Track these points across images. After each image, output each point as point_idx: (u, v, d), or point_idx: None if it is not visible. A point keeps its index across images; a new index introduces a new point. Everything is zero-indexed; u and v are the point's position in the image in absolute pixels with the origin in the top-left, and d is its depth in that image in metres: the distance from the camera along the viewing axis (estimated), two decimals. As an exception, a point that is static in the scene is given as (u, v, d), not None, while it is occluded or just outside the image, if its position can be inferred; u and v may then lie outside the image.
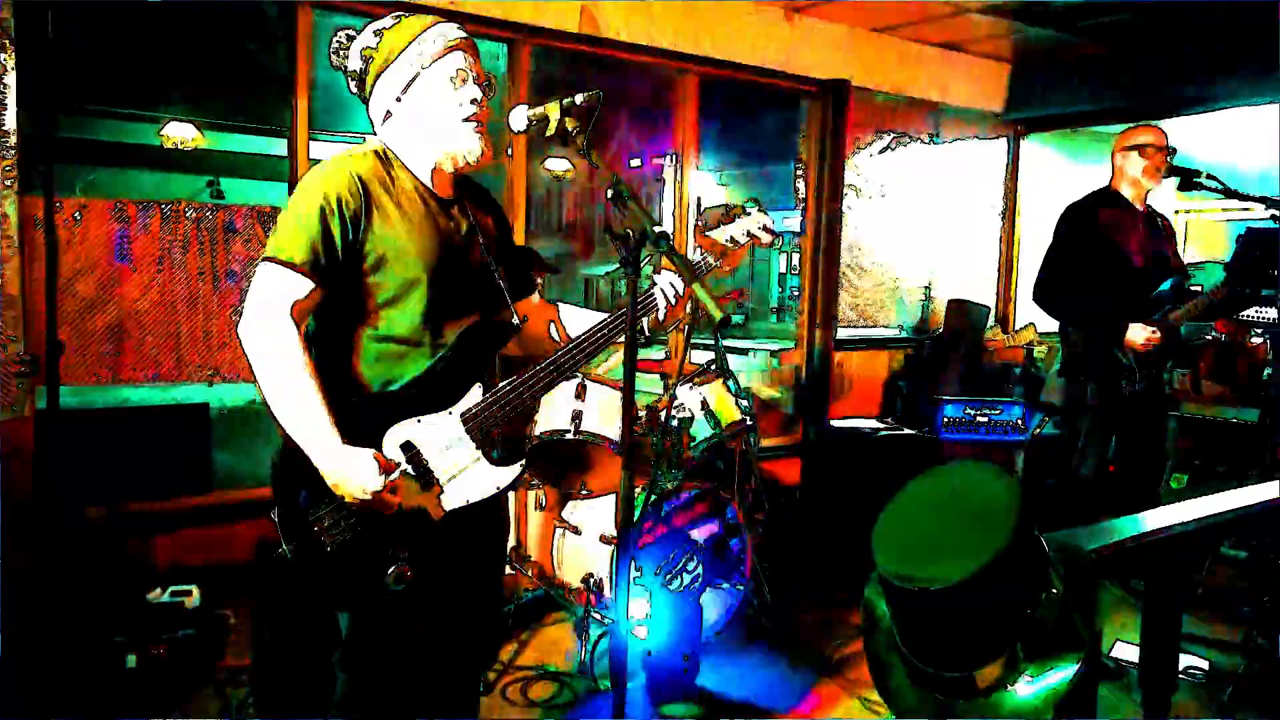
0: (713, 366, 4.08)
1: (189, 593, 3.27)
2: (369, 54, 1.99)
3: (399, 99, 1.98)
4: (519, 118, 1.93)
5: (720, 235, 2.20)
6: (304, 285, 1.86)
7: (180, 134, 7.46)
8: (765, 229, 2.21)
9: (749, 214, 2.22)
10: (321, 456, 1.82)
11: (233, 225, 4.02)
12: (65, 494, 3.26)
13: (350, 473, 1.81)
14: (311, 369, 1.84)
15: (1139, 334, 3.82)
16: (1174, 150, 3.89)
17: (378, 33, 1.99)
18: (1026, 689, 1.11)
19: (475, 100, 1.98)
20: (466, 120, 1.98)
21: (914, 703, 1.16)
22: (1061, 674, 1.10)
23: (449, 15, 2.12)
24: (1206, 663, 3.59)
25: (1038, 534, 1.14)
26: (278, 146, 6.02)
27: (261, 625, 3.01)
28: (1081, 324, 4.02)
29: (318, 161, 2.05)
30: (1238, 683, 3.41)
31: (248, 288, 1.91)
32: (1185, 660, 3.61)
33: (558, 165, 8.86)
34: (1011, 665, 1.11)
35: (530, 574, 3.90)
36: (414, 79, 1.97)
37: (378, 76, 1.99)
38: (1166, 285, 3.90)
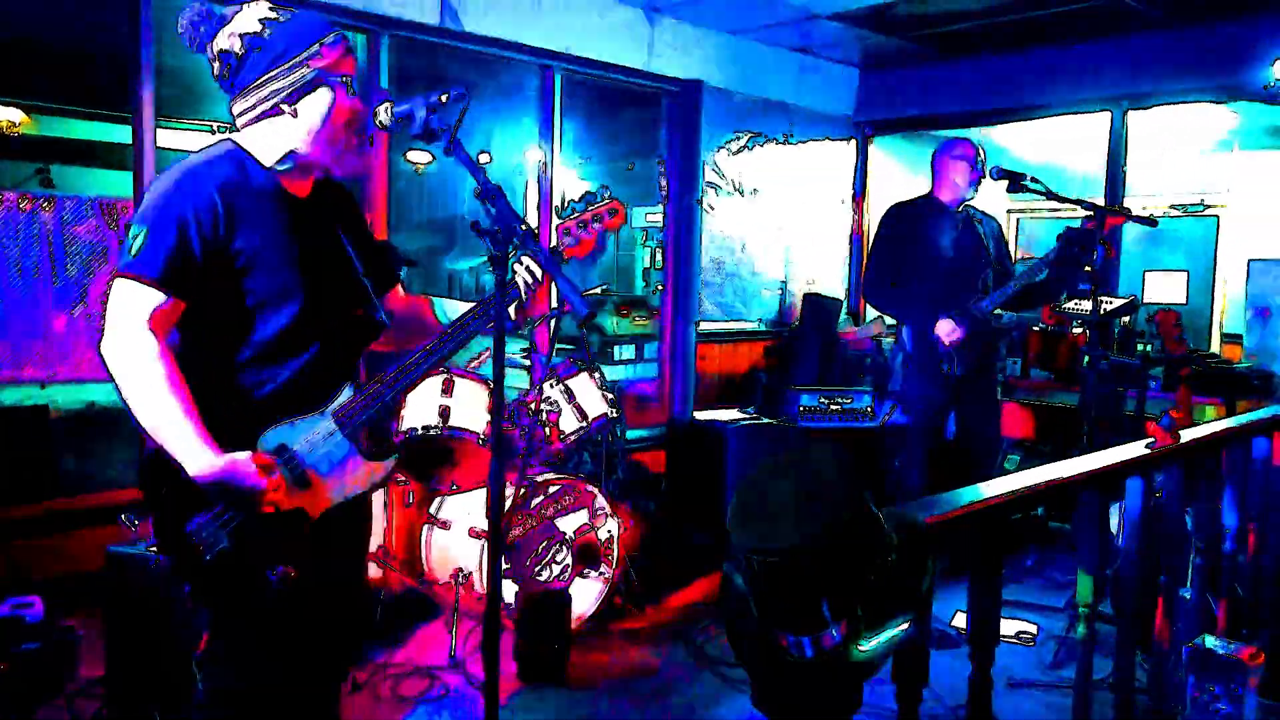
0: (578, 360, 4.15)
1: (31, 604, 3.10)
2: (254, 43, 1.88)
3: (290, 101, 1.91)
4: (384, 113, 1.93)
5: (573, 219, 2.28)
6: (162, 299, 1.81)
7: (6, 117, 6.97)
8: (614, 211, 2.27)
9: (598, 198, 2.30)
10: (197, 470, 1.79)
11: (71, 217, 3.81)
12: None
13: (231, 482, 1.79)
14: (177, 381, 1.80)
15: (943, 327, 4.14)
16: (983, 158, 4.25)
17: (265, 22, 1.89)
18: (865, 646, 1.23)
19: (359, 111, 1.95)
20: (353, 132, 1.96)
21: (766, 663, 1.27)
22: (894, 631, 1.23)
23: (304, 4, 2.09)
24: (1035, 627, 3.92)
25: (874, 507, 1.26)
26: (118, 133, 5.71)
27: (115, 634, 2.89)
28: (902, 316, 4.32)
29: (167, 150, 1.99)
30: (1062, 643, 3.74)
31: (90, 284, 1.85)
32: (1016, 625, 3.93)
33: (418, 157, 8.72)
34: (852, 625, 1.23)
35: (399, 571, 3.87)
36: (312, 85, 1.91)
37: (265, 71, 1.89)
38: (985, 277, 4.24)
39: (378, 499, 3.62)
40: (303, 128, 1.93)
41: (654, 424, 5.88)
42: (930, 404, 4.26)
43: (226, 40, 1.90)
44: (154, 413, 1.79)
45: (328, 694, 2.23)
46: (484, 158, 7.87)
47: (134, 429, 1.82)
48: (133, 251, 1.81)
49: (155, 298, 1.81)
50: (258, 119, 1.94)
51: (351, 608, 2.25)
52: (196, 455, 1.79)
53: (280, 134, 1.95)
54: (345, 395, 1.99)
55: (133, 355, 1.79)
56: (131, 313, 1.80)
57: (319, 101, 1.93)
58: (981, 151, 4.25)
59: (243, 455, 1.82)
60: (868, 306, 7.06)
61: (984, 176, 4.14)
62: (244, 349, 1.92)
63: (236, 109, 1.96)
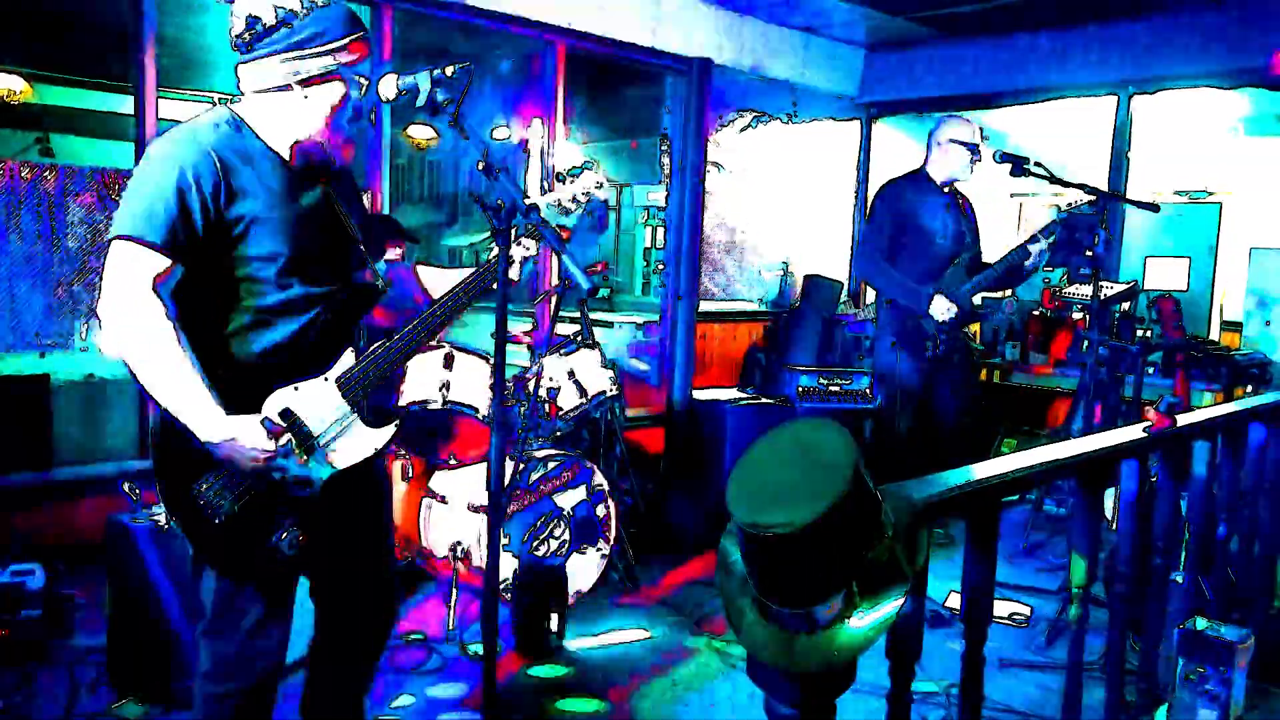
0: (579, 338, 4.15)
1: (31, 571, 3.12)
2: (288, 19, 1.89)
3: (302, 85, 1.93)
4: (389, 86, 1.94)
5: (564, 194, 2.31)
6: (163, 262, 1.81)
7: (7, 85, 6.93)
8: (600, 185, 2.31)
9: (584, 172, 2.33)
10: (208, 430, 1.81)
11: (73, 187, 3.79)
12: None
13: (242, 441, 1.81)
14: (185, 345, 1.82)
15: (939, 306, 4.21)
16: (984, 140, 4.28)
17: (303, 1, 1.90)
18: (860, 622, 1.25)
19: (359, 109, 1.99)
20: (351, 122, 1.99)
21: (763, 638, 1.28)
22: (889, 608, 1.24)
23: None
24: (1029, 609, 3.95)
25: (871, 484, 1.27)
26: (117, 102, 5.69)
27: (116, 603, 2.91)
28: (892, 294, 4.37)
29: (168, 121, 2.00)
30: (1054, 625, 3.77)
31: (89, 254, 1.86)
32: (1010, 607, 3.95)
33: (421, 133, 8.69)
34: (848, 601, 1.24)
35: (397, 544, 3.89)
36: (327, 77, 1.93)
37: (290, 49, 1.90)
38: (964, 259, 4.32)
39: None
40: (307, 111, 1.96)
41: (653, 403, 5.89)
42: (914, 383, 4.36)
43: (258, 5, 1.88)
44: (162, 377, 1.80)
45: (356, 672, 2.25)
46: (501, 134, 7.81)
47: (134, 399, 1.84)
48: (132, 214, 1.81)
49: (157, 261, 1.81)
50: (266, 91, 1.95)
51: (375, 579, 2.24)
52: (206, 419, 1.81)
53: (284, 112, 1.97)
54: (347, 362, 2.02)
55: (140, 319, 1.79)
56: (135, 276, 1.80)
57: (330, 92, 1.96)
58: (979, 133, 4.27)
59: (251, 418, 1.83)
60: (866, 289, 7.08)
61: (980, 159, 4.20)
62: (244, 313, 1.93)
63: (245, 74, 1.95)
